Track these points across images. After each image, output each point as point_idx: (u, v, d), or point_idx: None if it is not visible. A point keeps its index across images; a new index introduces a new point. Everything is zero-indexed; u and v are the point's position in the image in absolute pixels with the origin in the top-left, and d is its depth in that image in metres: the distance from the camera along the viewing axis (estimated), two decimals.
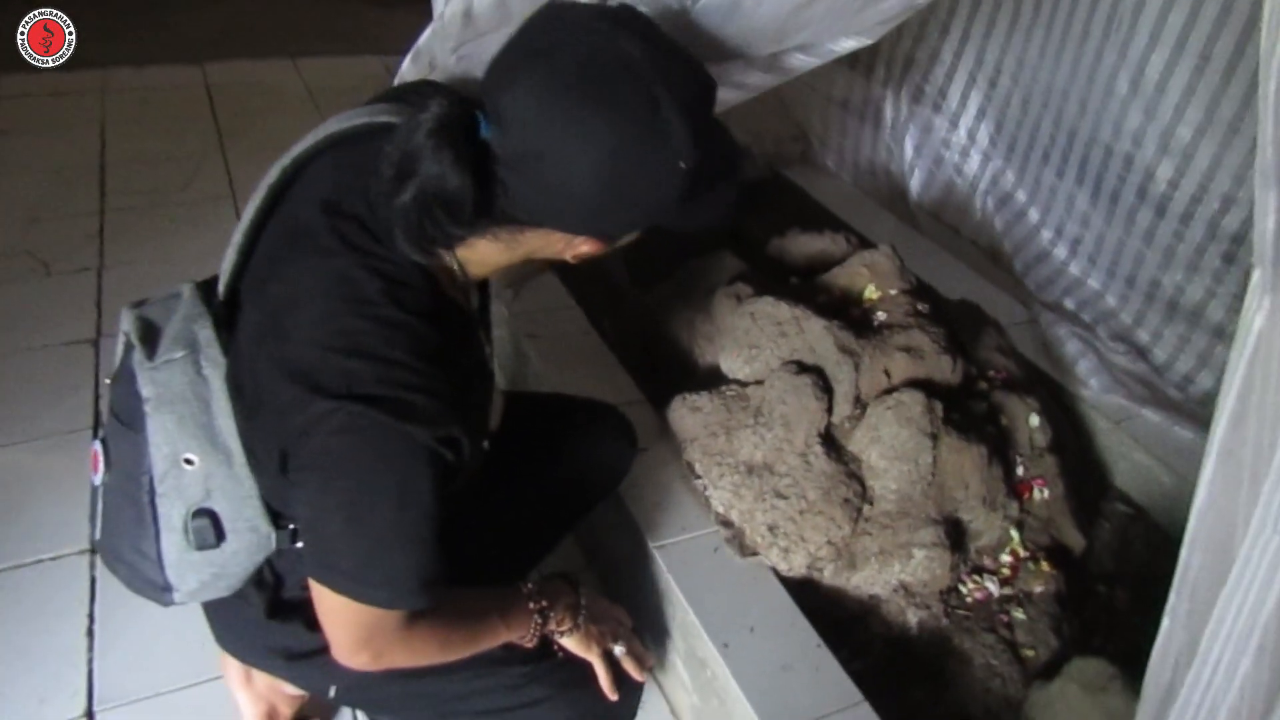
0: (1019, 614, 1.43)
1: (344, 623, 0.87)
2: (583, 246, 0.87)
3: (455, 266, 0.87)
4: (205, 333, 0.93)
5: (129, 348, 0.96)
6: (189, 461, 0.90)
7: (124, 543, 0.96)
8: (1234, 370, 0.67)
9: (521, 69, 0.78)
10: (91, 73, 3.28)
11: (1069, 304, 2.03)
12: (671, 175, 0.79)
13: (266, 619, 1.03)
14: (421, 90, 0.97)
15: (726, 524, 1.37)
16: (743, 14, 1.02)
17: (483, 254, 0.87)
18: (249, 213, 0.92)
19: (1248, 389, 0.66)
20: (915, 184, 2.44)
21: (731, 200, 0.91)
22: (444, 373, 0.81)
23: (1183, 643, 0.79)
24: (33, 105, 3.10)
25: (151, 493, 0.92)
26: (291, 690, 1.21)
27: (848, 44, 1.15)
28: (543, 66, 0.77)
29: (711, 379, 1.56)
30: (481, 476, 1.19)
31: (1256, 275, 0.64)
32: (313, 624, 0.96)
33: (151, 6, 4.00)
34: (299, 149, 0.92)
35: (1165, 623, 0.81)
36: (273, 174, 0.92)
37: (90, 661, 1.39)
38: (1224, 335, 1.75)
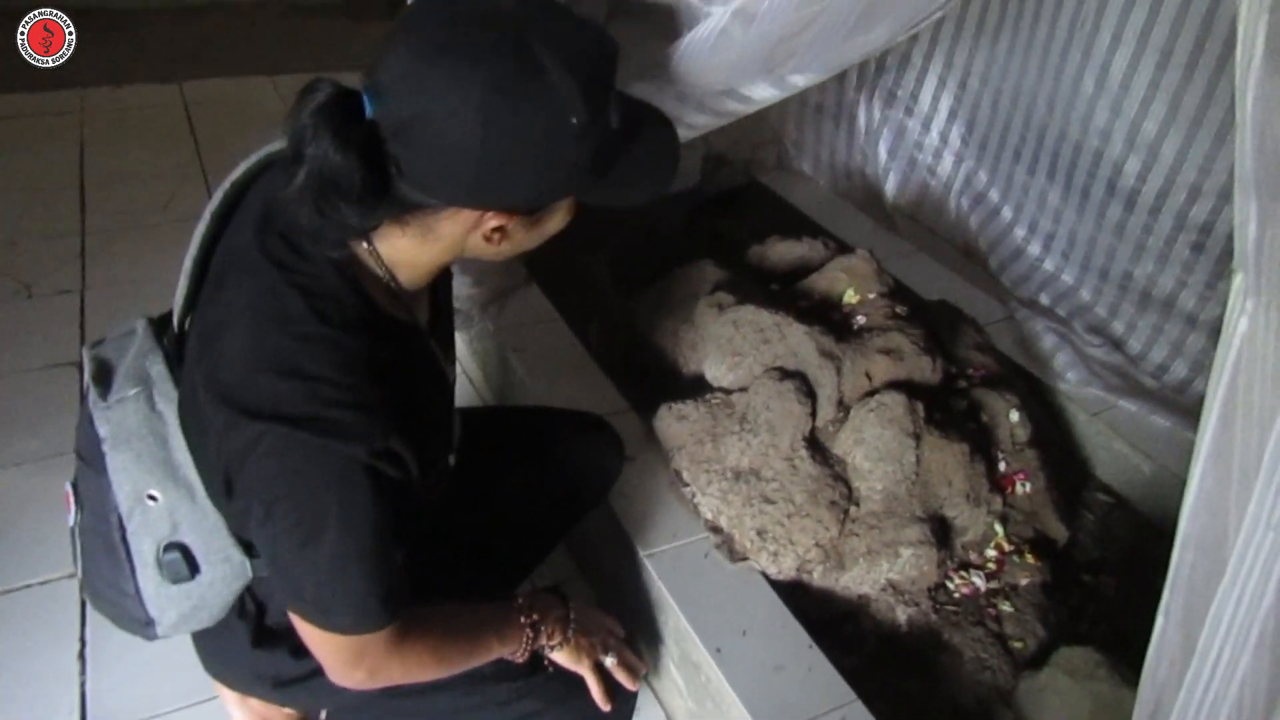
0: (1006, 606, 1.45)
1: (329, 647, 0.87)
2: (492, 222, 0.81)
3: (380, 272, 0.84)
4: (157, 367, 0.93)
5: (88, 388, 0.95)
6: (152, 498, 0.89)
7: (103, 581, 0.95)
8: (1219, 372, 0.69)
9: (394, 39, 0.75)
10: (69, 92, 3.26)
11: (1044, 299, 2.07)
12: (563, 132, 0.74)
13: (252, 648, 1.02)
14: None
15: (716, 530, 1.39)
16: (730, 45, 1.03)
17: (402, 252, 0.84)
18: (195, 241, 0.91)
19: (1234, 390, 0.68)
20: (890, 186, 2.47)
21: (663, 170, 0.89)
22: (376, 386, 0.79)
23: (1178, 641, 0.79)
24: (10, 126, 3.08)
25: (122, 530, 0.91)
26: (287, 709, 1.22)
27: (801, 79, 1.17)
28: (413, 32, 0.75)
29: (696, 387, 1.58)
30: (470, 490, 1.20)
31: (1239, 279, 0.65)
32: (298, 651, 0.97)
33: (124, 25, 3.98)
34: (238, 172, 0.92)
35: (1160, 621, 0.82)
36: (215, 200, 0.91)
37: (83, 685, 1.39)
38: (1196, 323, 1.79)
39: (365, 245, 0.83)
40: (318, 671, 0.91)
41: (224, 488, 0.84)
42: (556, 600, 1.12)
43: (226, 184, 0.91)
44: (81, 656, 1.44)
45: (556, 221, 0.88)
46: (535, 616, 1.07)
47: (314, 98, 0.74)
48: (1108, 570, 1.61)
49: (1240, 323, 0.66)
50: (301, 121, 0.73)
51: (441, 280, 1.02)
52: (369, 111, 0.75)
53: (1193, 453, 0.73)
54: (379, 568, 0.83)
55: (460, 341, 2.04)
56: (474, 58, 0.72)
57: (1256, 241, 0.63)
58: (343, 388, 0.77)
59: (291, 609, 0.85)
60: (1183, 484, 0.75)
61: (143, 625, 0.96)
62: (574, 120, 0.74)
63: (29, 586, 1.54)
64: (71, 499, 0.98)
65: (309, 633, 0.86)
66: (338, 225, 0.77)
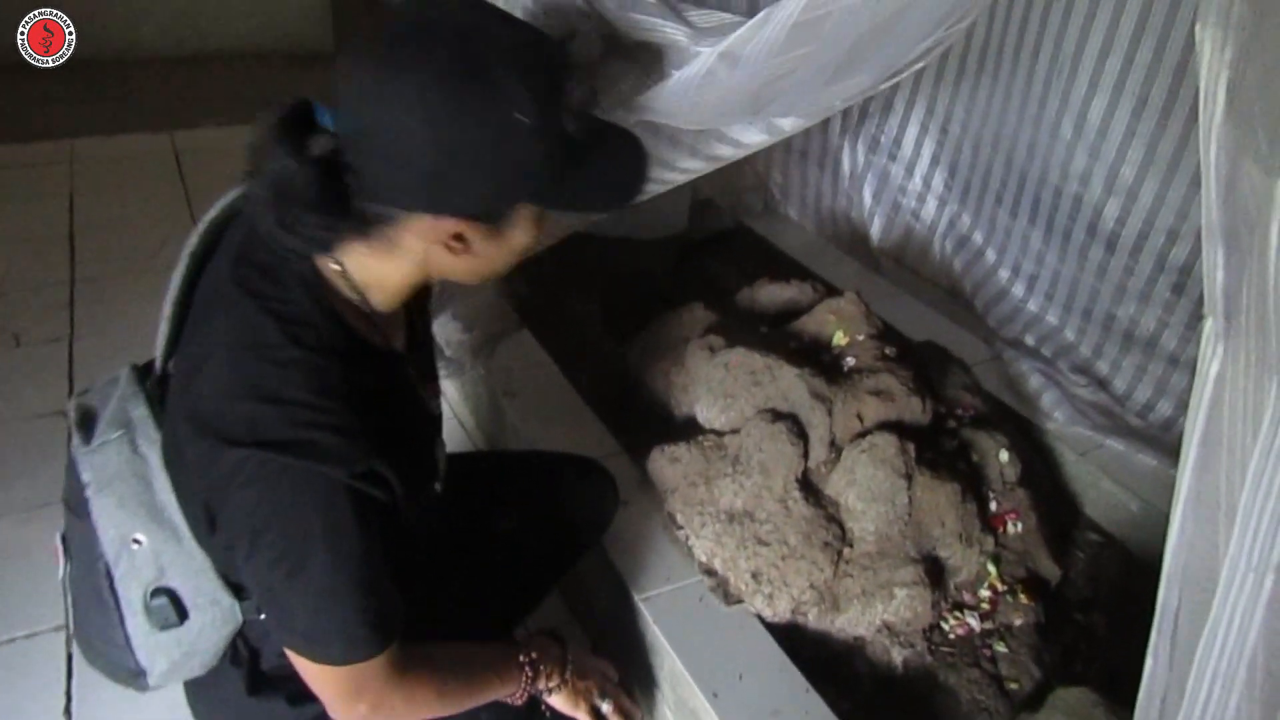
0: (1001, 647, 1.45)
1: (328, 680, 0.86)
2: (450, 228, 0.80)
3: (352, 294, 0.85)
4: (139, 410, 0.93)
5: (72, 435, 0.95)
6: (137, 541, 0.89)
7: (94, 631, 0.94)
8: (1195, 416, 0.70)
9: (349, 53, 0.78)
10: (59, 143, 3.30)
11: (1030, 340, 2.09)
12: (510, 131, 0.75)
13: (248, 695, 1.00)
14: None
15: (710, 573, 1.39)
16: (716, 86, 1.06)
17: (371, 271, 0.84)
18: (174, 283, 0.92)
19: (1209, 433, 0.69)
20: (876, 230, 2.51)
21: (628, 181, 0.89)
22: (354, 408, 0.80)
23: (1168, 682, 0.80)
24: (0, 176, 3.09)
25: (109, 578, 0.90)
26: None
27: (788, 123, 1.19)
28: (364, 42, 0.77)
29: (688, 429, 1.59)
30: (465, 534, 1.20)
31: (1209, 325, 0.67)
32: (296, 697, 0.96)
33: (114, 75, 4.02)
34: (213, 212, 0.92)
35: (1149, 663, 0.82)
36: (191, 241, 0.92)
37: None
38: (1179, 363, 1.81)
39: (334, 265, 0.84)
40: (318, 719, 0.90)
41: (207, 522, 0.84)
42: (554, 642, 1.12)
43: (201, 225, 0.92)
44: (67, 711, 1.41)
45: (521, 234, 0.86)
46: (534, 655, 1.07)
47: (272, 112, 0.76)
48: (1099, 609, 1.61)
49: (1212, 367, 0.67)
50: (260, 135, 0.76)
51: (417, 308, 1.02)
52: (325, 123, 0.77)
53: (1173, 495, 0.75)
54: (369, 594, 0.82)
55: (452, 387, 2.05)
56: (420, 62, 0.74)
57: (1225, 288, 0.65)
58: (320, 410, 0.78)
59: (285, 643, 0.85)
60: (1169, 522, 0.76)
61: (134, 676, 0.95)
62: (522, 119, 0.75)
63: (13, 640, 1.52)
64: (60, 551, 0.97)
65: (306, 666, 0.85)
66: (301, 239, 0.78)
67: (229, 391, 0.79)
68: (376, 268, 0.84)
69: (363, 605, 0.82)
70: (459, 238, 0.82)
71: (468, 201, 0.80)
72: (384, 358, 0.90)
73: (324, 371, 0.80)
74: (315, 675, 0.86)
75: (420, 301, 1.03)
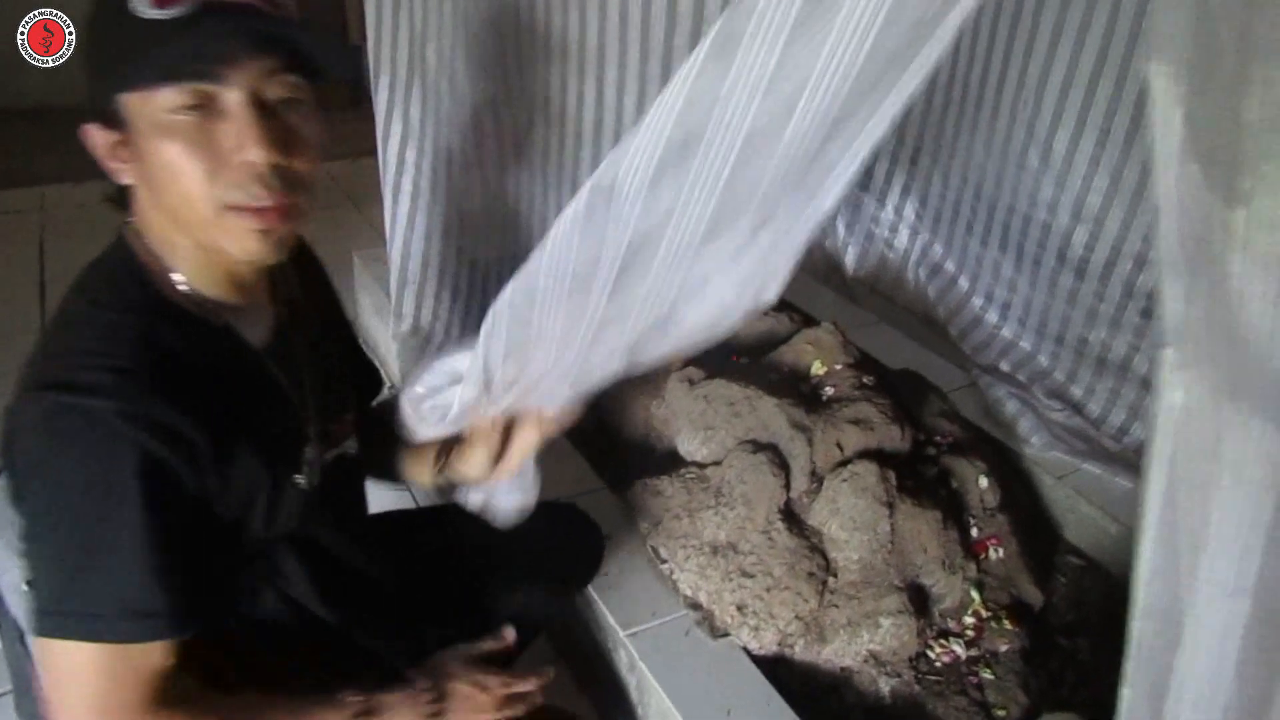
0: (987, 674, 1.45)
1: (68, 691, 0.75)
2: (95, 136, 0.79)
3: (150, 258, 0.82)
4: None
5: None
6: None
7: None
8: (1160, 445, 0.71)
9: None
10: (29, 191, 3.27)
11: (1004, 366, 2.12)
12: (97, 15, 0.77)
13: None
14: None
15: (695, 606, 1.38)
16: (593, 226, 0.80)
17: (144, 221, 0.82)
18: None
19: (1174, 461, 0.69)
20: (850, 260, 2.54)
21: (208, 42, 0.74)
22: (143, 356, 0.76)
23: (1145, 711, 0.80)
24: None
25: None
26: None
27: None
28: None
29: (670, 462, 1.59)
30: (450, 590, 1.18)
31: (1170, 354, 0.68)
32: None
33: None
34: None
35: (1126, 693, 0.81)
36: None
37: None
38: (1151, 386, 1.84)
39: (132, 223, 0.84)
40: None
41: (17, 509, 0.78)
42: (408, 702, 0.94)
43: None
44: None
45: (151, 142, 0.76)
46: None
47: None
48: (1083, 633, 1.62)
49: (1176, 396, 0.68)
50: None
51: (297, 314, 0.96)
52: None
53: (1141, 526, 0.75)
54: (135, 565, 0.74)
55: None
56: None
57: (1185, 317, 0.65)
58: (100, 354, 0.76)
59: (34, 631, 0.76)
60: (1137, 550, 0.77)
61: None
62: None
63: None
64: None
65: (46, 668, 0.76)
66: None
67: (30, 362, 0.77)
68: (144, 219, 0.83)
69: (124, 577, 0.74)
70: (114, 153, 0.80)
71: (89, 99, 0.78)
72: (214, 332, 0.85)
73: (115, 324, 0.78)
74: (55, 680, 0.76)
75: (302, 315, 0.96)
